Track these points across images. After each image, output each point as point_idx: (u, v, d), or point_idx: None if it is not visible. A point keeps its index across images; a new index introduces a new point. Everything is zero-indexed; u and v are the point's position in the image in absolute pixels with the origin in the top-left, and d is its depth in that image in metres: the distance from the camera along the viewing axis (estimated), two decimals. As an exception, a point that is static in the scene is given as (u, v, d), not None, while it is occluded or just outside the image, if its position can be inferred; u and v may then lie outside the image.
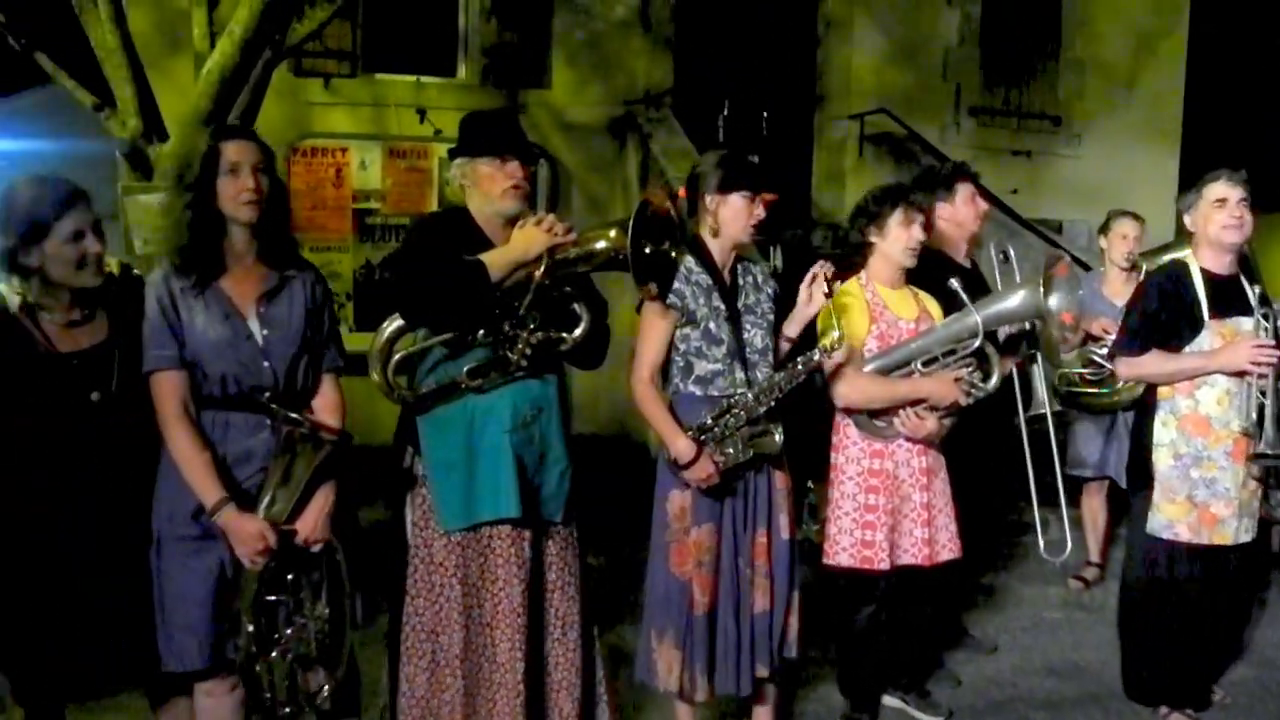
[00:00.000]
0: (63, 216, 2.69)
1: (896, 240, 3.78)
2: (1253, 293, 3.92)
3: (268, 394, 2.81)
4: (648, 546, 3.47)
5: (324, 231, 8.31)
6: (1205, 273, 3.92)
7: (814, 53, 9.87)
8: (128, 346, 2.76)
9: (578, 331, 3.01)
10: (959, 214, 4.42)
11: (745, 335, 3.39)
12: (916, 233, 3.78)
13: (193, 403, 2.76)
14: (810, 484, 3.84)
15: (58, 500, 2.69)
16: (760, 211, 3.40)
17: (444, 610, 3.01)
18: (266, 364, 2.81)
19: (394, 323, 2.97)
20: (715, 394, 3.35)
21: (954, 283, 3.77)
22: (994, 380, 3.77)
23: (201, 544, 2.77)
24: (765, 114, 6.98)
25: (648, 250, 2.88)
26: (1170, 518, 3.90)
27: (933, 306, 3.92)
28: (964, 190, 4.41)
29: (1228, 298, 3.91)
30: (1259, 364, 3.76)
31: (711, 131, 7.26)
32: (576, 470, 3.14)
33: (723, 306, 3.36)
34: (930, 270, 3.96)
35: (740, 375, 3.36)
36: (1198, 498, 3.87)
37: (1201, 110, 11.23)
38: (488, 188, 3.00)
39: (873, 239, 3.84)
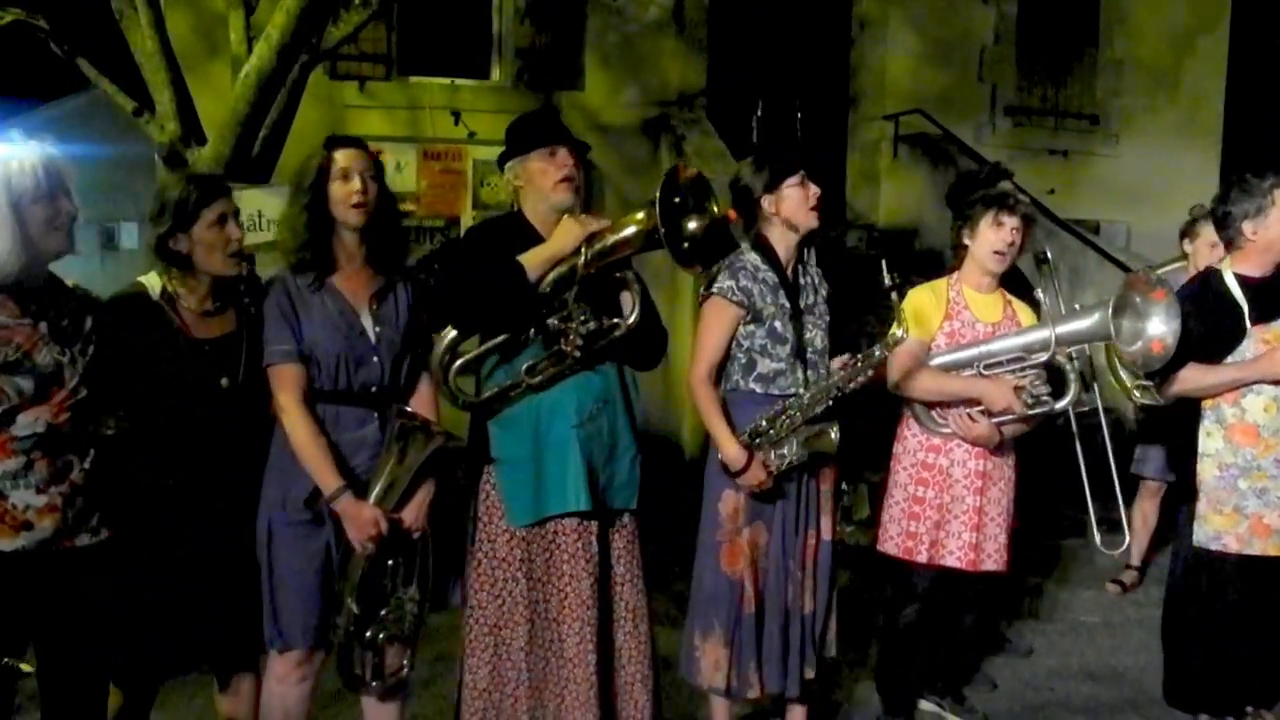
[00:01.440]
0: (209, 204, 2.89)
1: (985, 242, 3.76)
2: None
3: (375, 388, 2.95)
4: (673, 546, 3.49)
5: (359, 234, 8.36)
6: (1241, 278, 3.82)
7: (848, 53, 9.82)
8: (254, 339, 2.93)
9: (631, 318, 3.04)
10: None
11: (806, 335, 3.39)
12: (1006, 235, 3.73)
13: (308, 395, 2.90)
14: (845, 485, 3.83)
15: (188, 481, 2.86)
16: (815, 189, 3.40)
17: (507, 605, 3.08)
18: (377, 359, 2.95)
19: (451, 331, 3.08)
20: (775, 393, 3.36)
21: (1039, 293, 3.73)
22: (1067, 400, 3.70)
23: (311, 528, 2.92)
24: (799, 115, 6.94)
25: (691, 225, 2.92)
26: (1218, 529, 3.81)
27: (1025, 315, 3.88)
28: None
29: (1271, 301, 3.80)
30: None
31: (745, 133, 7.25)
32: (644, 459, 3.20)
33: (788, 305, 3.37)
34: None
35: (801, 375, 3.37)
36: (1247, 509, 3.78)
37: (1243, 109, 11.07)
38: (540, 183, 3.07)
39: (965, 241, 3.82)
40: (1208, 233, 4.68)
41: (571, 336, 2.98)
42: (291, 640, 2.94)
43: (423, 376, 3.11)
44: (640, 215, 2.93)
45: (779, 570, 3.39)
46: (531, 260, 2.95)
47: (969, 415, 3.67)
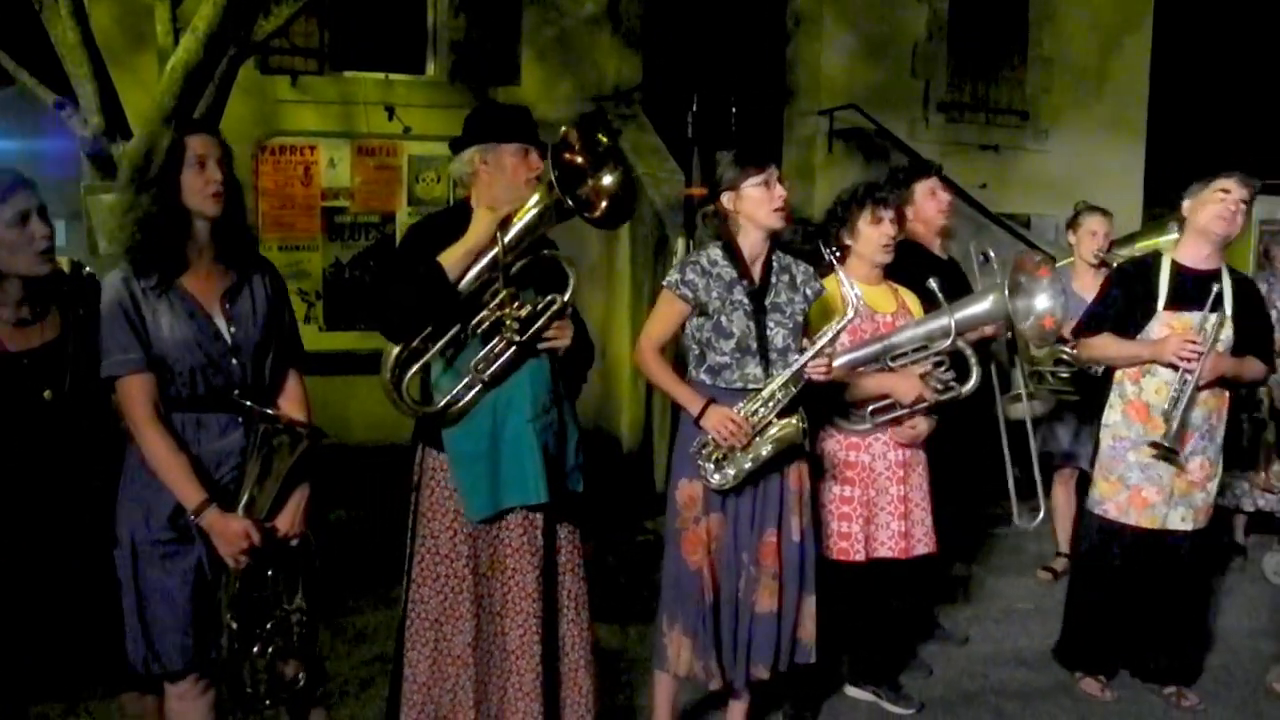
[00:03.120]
0: (5, 200, 2.65)
1: (867, 240, 3.82)
2: (1227, 294, 3.99)
3: (237, 391, 2.79)
4: (610, 540, 3.50)
5: (292, 230, 8.24)
6: (1177, 265, 4.02)
7: (783, 48, 9.88)
8: (81, 345, 2.73)
9: (566, 293, 3.03)
10: (922, 211, 4.51)
11: (768, 333, 3.40)
12: (886, 229, 3.81)
13: (162, 405, 2.74)
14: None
15: (12, 500, 2.66)
16: (780, 191, 3.41)
17: (450, 600, 3.07)
18: (235, 361, 2.80)
19: (394, 348, 3.00)
20: (722, 385, 3.38)
21: (932, 283, 3.80)
22: (971, 383, 3.80)
23: (178, 546, 2.77)
24: (734, 110, 6.97)
25: (606, 182, 2.93)
26: (1102, 494, 4.13)
27: (912, 302, 3.96)
28: (921, 188, 4.48)
29: (1193, 292, 3.98)
30: (1183, 358, 3.88)
31: (681, 127, 7.26)
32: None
33: (745, 301, 3.37)
34: (905, 263, 4.00)
35: (751, 370, 3.38)
36: (1130, 480, 4.06)
37: (1166, 106, 11.33)
38: (513, 177, 3.02)
39: (847, 241, 3.86)
40: (1089, 223, 5.28)
41: (509, 323, 2.95)
42: (168, 662, 2.78)
43: (290, 374, 2.99)
44: (540, 193, 2.92)
45: (730, 563, 3.40)
46: (449, 259, 2.92)
47: (910, 426, 3.79)
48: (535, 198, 2.93)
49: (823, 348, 3.33)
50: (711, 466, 3.33)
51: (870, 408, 3.77)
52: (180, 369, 2.73)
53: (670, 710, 3.60)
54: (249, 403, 2.79)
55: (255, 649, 2.84)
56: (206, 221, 2.77)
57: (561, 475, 3.11)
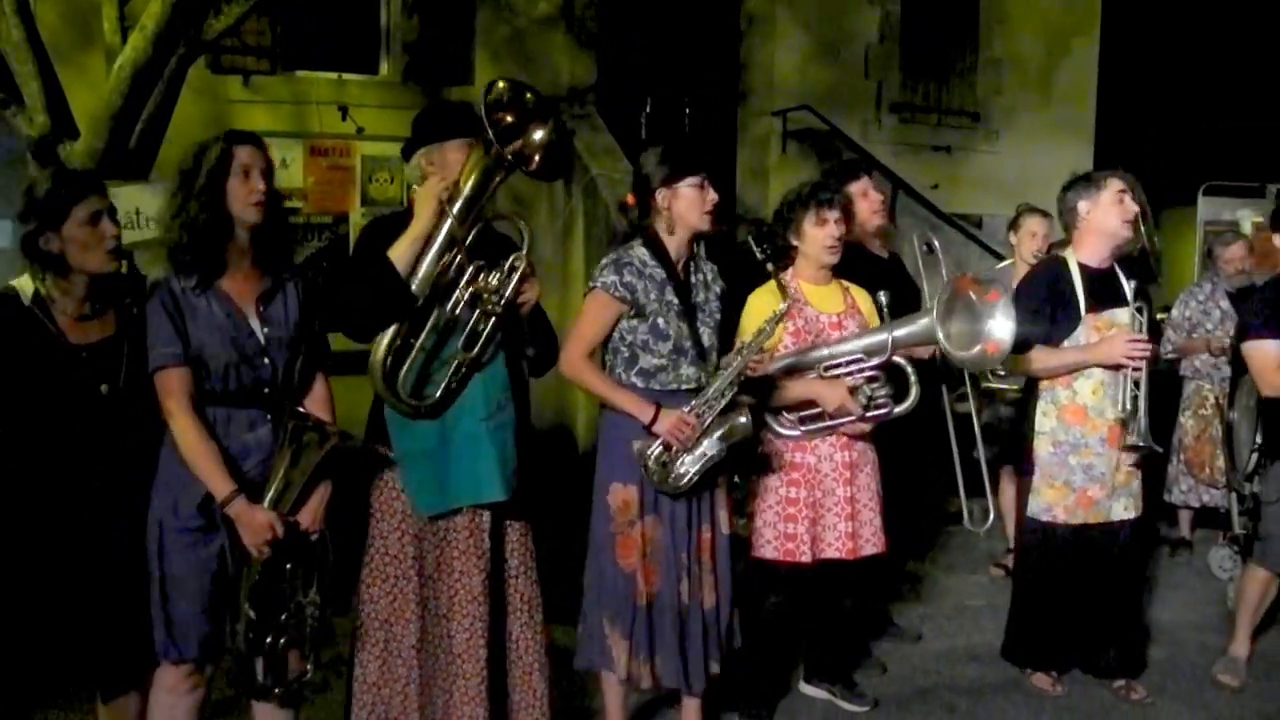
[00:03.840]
0: (80, 200, 2.80)
1: (813, 240, 3.82)
2: (1128, 286, 4.14)
3: (268, 389, 2.92)
4: (567, 540, 3.50)
5: (244, 231, 8.16)
6: (1083, 267, 4.12)
7: (737, 49, 9.90)
8: (135, 341, 2.83)
9: (525, 247, 3.03)
10: (856, 213, 4.43)
11: (699, 332, 3.41)
12: (831, 230, 3.80)
13: (196, 398, 2.83)
14: (737, 478, 3.86)
15: (67, 492, 2.77)
16: (713, 195, 3.41)
17: (399, 601, 3.07)
18: (267, 360, 2.90)
19: (380, 342, 2.97)
20: (657, 388, 3.37)
21: (881, 296, 3.81)
22: (907, 403, 3.76)
23: (204, 535, 2.86)
24: (688, 110, 6.99)
25: (535, 137, 2.92)
26: (1050, 501, 4.14)
27: (863, 300, 3.96)
28: (853, 189, 4.45)
29: (1104, 291, 4.11)
30: (1133, 357, 3.97)
31: (635, 128, 7.27)
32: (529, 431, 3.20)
33: (676, 302, 3.38)
34: (845, 264, 3.99)
35: (685, 371, 3.38)
36: (1075, 482, 4.11)
37: (1114, 108, 11.52)
38: (457, 172, 3.00)
39: (794, 242, 3.88)
40: (1030, 224, 5.41)
41: (486, 296, 2.95)
42: (186, 650, 2.88)
43: (317, 376, 3.07)
44: (475, 155, 2.92)
45: (669, 564, 3.41)
46: (398, 250, 2.92)
47: (843, 433, 3.79)
48: (472, 160, 2.92)
49: (760, 340, 3.36)
50: (660, 470, 3.33)
51: (800, 414, 3.77)
52: (215, 365, 2.85)
53: (621, 711, 3.61)
54: (281, 398, 2.91)
55: (268, 640, 2.92)
56: (247, 228, 2.88)
57: (516, 475, 3.09)
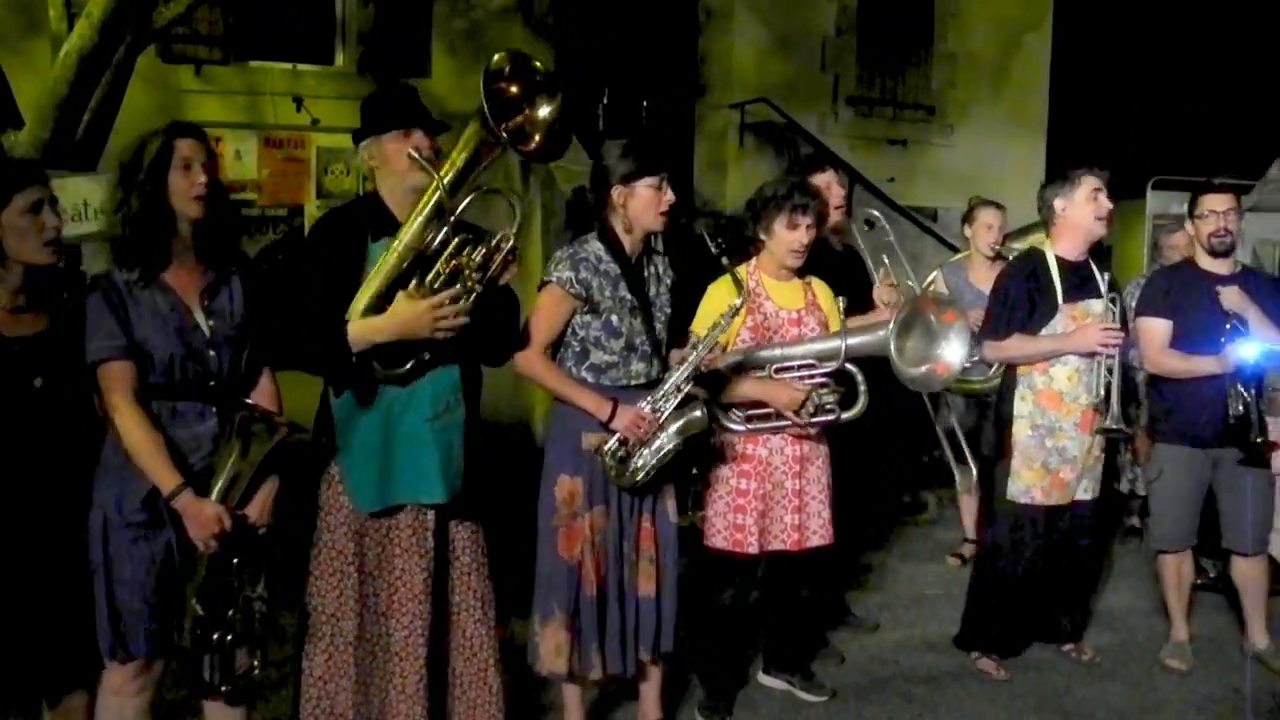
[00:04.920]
0: (21, 188, 2.73)
1: (780, 241, 3.82)
2: (1102, 279, 4.27)
3: (213, 383, 2.86)
4: (524, 535, 3.49)
5: (197, 223, 8.05)
6: (1060, 259, 4.26)
7: (695, 42, 9.93)
8: (71, 335, 2.77)
9: (515, 227, 2.93)
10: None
11: (655, 328, 3.41)
12: (801, 236, 3.79)
13: (140, 392, 2.78)
14: (695, 470, 3.87)
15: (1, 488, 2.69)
16: (670, 196, 3.39)
17: (343, 596, 3.04)
18: (212, 353, 2.86)
19: (356, 308, 2.89)
20: (607, 384, 3.37)
21: (841, 301, 3.82)
22: (855, 410, 3.75)
23: (149, 530, 2.81)
24: (645, 103, 6.99)
25: (542, 114, 2.86)
26: (1028, 483, 4.26)
27: (824, 297, 3.96)
28: (817, 180, 4.44)
29: (1079, 282, 4.25)
30: (1107, 345, 4.11)
31: (592, 120, 7.26)
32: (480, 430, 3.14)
33: (629, 298, 3.37)
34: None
35: (635, 367, 3.38)
36: (1051, 464, 4.25)
37: (1065, 103, 11.67)
38: (396, 164, 2.97)
39: (761, 236, 3.87)
40: (984, 217, 5.49)
41: (467, 272, 2.88)
42: (134, 648, 2.82)
43: (263, 370, 3.03)
44: (469, 129, 2.83)
45: (615, 554, 3.41)
46: (360, 334, 2.85)
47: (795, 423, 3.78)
48: (467, 134, 2.84)
49: (714, 335, 3.36)
50: (617, 465, 3.32)
51: (748, 412, 3.78)
52: (159, 358, 2.80)
53: (581, 704, 3.61)
54: (227, 393, 2.86)
55: (216, 636, 2.87)
56: (189, 221, 2.83)
57: (463, 475, 3.05)
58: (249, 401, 2.90)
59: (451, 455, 3.02)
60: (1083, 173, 4.24)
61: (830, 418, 3.74)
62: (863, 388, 3.75)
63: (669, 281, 3.56)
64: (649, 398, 3.33)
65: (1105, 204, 4.22)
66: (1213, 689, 4.34)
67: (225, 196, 2.97)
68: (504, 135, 2.78)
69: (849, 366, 3.72)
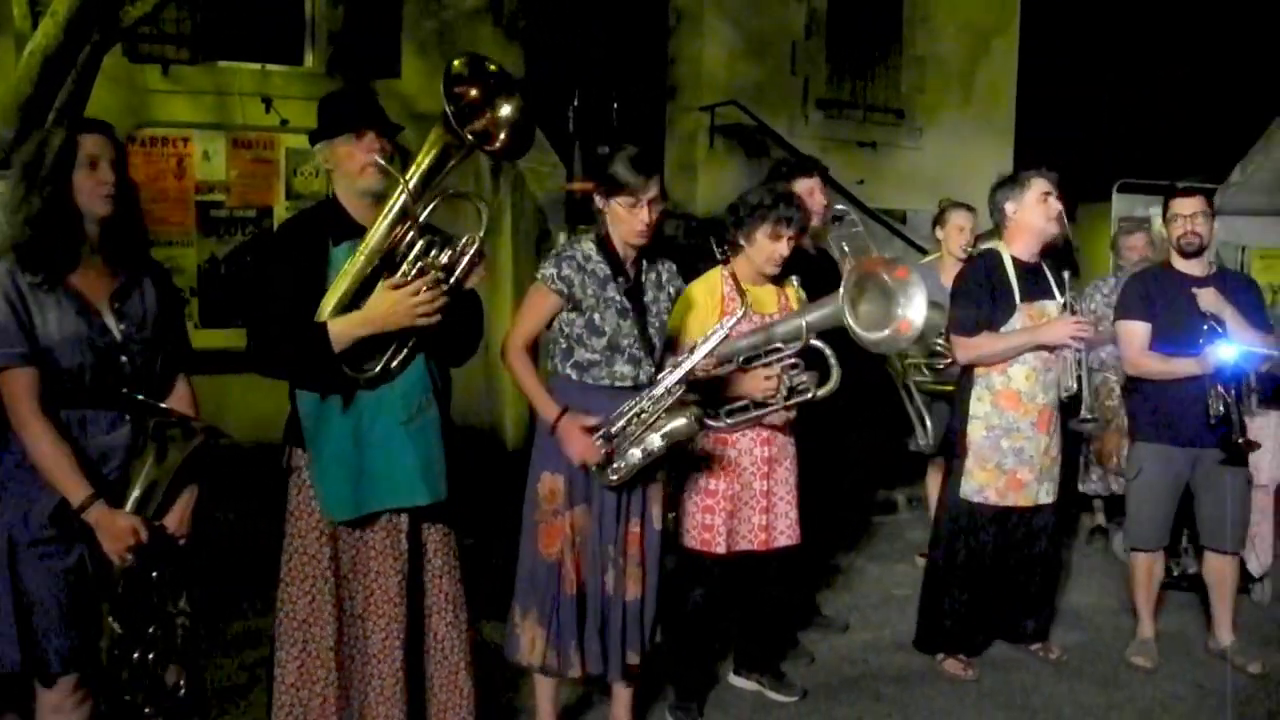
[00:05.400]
0: None
1: (761, 249, 3.84)
2: (1057, 279, 4.34)
3: (126, 389, 2.74)
4: (495, 537, 3.49)
5: (165, 225, 7.95)
6: (1015, 261, 4.32)
7: (665, 44, 9.94)
8: None
9: (482, 229, 2.91)
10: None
11: (642, 331, 3.40)
12: (781, 248, 3.81)
13: (48, 400, 2.66)
14: (670, 471, 3.88)
15: None
16: (644, 216, 3.34)
17: (317, 602, 2.99)
18: (124, 359, 2.76)
19: (325, 308, 2.85)
20: (589, 382, 3.38)
21: (795, 279, 3.83)
22: (829, 385, 3.77)
23: (59, 546, 2.69)
24: (615, 105, 7.00)
25: (502, 114, 2.83)
26: (981, 483, 4.31)
27: (797, 302, 3.98)
28: (801, 186, 4.47)
29: (1034, 283, 4.32)
30: (1076, 338, 4.18)
31: (562, 121, 7.26)
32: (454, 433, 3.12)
33: (618, 299, 3.37)
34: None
35: (620, 369, 3.39)
36: (1006, 465, 4.28)
37: (1032, 106, 11.77)
38: (348, 167, 2.93)
39: (740, 241, 3.88)
40: (955, 218, 5.55)
41: (433, 274, 2.86)
42: (53, 665, 2.70)
43: (179, 376, 2.94)
44: (433, 134, 2.81)
45: (595, 555, 3.42)
46: (342, 332, 2.79)
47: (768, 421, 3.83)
48: (431, 138, 2.82)
49: (714, 348, 3.36)
50: (595, 465, 3.34)
51: (727, 407, 3.79)
52: (67, 365, 2.67)
53: (553, 705, 3.62)
54: (141, 396, 2.74)
55: (137, 654, 2.76)
56: (97, 221, 2.72)
57: (439, 476, 3.03)
58: (163, 407, 2.78)
59: (432, 456, 2.99)
60: (1031, 175, 4.30)
61: (806, 396, 3.76)
62: (833, 361, 3.76)
63: (672, 289, 3.54)
64: (611, 416, 3.33)
65: (1055, 206, 4.28)
66: (1177, 686, 4.39)
67: (135, 195, 2.85)
68: (469, 138, 2.76)
69: (816, 343, 3.73)
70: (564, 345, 3.42)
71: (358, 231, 2.90)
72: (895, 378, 5.40)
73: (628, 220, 3.35)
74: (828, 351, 3.76)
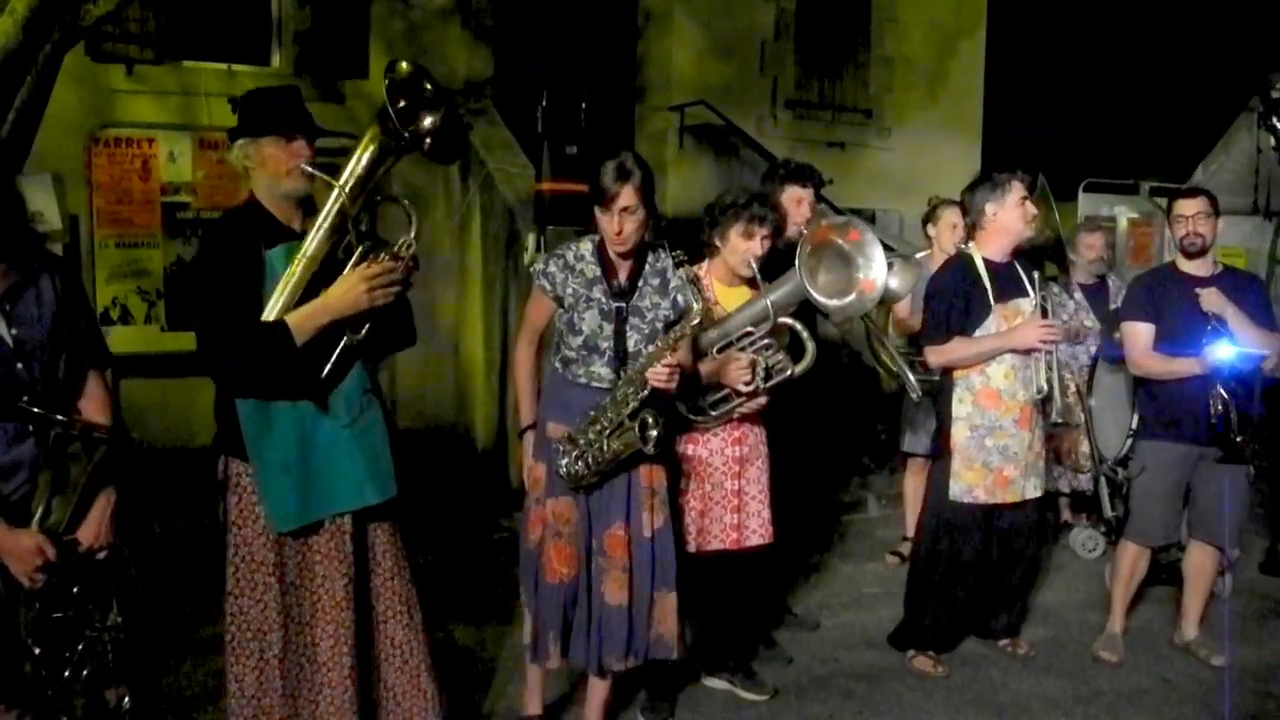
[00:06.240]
0: None
1: (734, 250, 3.86)
2: (1028, 278, 4.38)
3: (25, 398, 2.60)
4: (466, 539, 3.49)
5: (131, 226, 7.86)
6: (987, 262, 4.34)
7: (634, 44, 9.94)
8: None
9: (413, 231, 2.91)
10: (785, 213, 4.47)
11: (629, 336, 3.41)
12: (755, 247, 3.82)
13: None
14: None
15: None
16: (618, 228, 3.34)
17: (267, 610, 2.94)
18: (20, 366, 2.63)
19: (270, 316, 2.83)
20: (570, 378, 3.43)
21: (752, 264, 3.81)
22: (805, 362, 3.77)
23: None
24: (584, 105, 6.98)
25: (426, 123, 2.83)
26: (969, 483, 4.32)
27: None
28: (790, 193, 4.46)
29: (1007, 283, 4.35)
30: (1046, 340, 4.22)
31: (531, 122, 7.23)
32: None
33: (604, 301, 3.38)
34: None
35: (597, 369, 3.40)
36: (992, 463, 4.30)
37: (1000, 106, 11.86)
38: (274, 168, 2.89)
39: (715, 242, 3.90)
40: (947, 216, 5.53)
41: (380, 255, 2.85)
42: None
43: (90, 375, 2.84)
44: (368, 133, 2.82)
45: (579, 549, 3.44)
46: (302, 323, 2.76)
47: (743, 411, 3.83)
48: (368, 137, 2.82)
49: (664, 348, 3.34)
50: (566, 460, 3.37)
51: (709, 400, 3.80)
52: None
53: (539, 686, 3.69)
54: (36, 409, 2.59)
55: (66, 675, 2.64)
56: None
57: (387, 474, 3.00)
58: (62, 417, 2.64)
59: (378, 455, 2.97)
60: (1010, 177, 4.33)
61: (784, 376, 3.77)
62: (805, 335, 3.75)
63: (678, 299, 3.50)
64: (595, 404, 3.35)
65: (1031, 209, 4.33)
66: (1143, 680, 4.44)
67: (14, 191, 2.72)
68: (406, 135, 2.76)
69: (786, 320, 3.73)
70: (557, 339, 3.50)
71: (287, 234, 2.87)
72: (878, 350, 5.39)
73: (605, 227, 3.38)
74: (799, 327, 3.76)
